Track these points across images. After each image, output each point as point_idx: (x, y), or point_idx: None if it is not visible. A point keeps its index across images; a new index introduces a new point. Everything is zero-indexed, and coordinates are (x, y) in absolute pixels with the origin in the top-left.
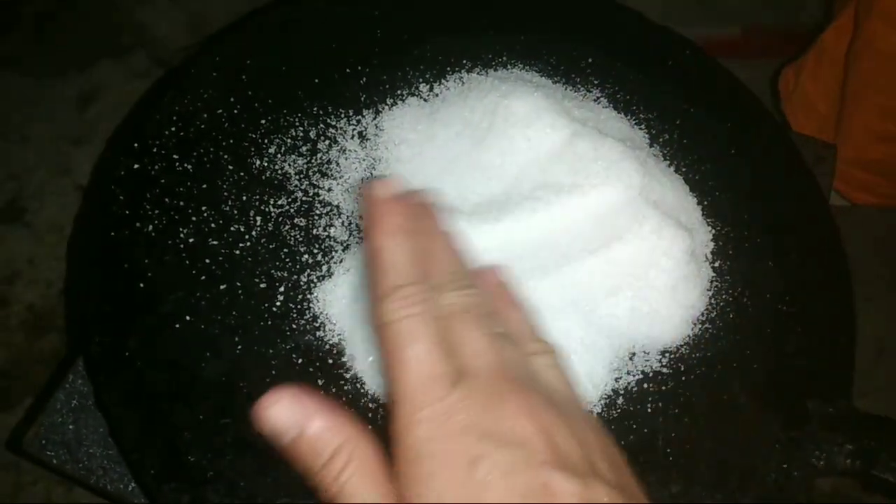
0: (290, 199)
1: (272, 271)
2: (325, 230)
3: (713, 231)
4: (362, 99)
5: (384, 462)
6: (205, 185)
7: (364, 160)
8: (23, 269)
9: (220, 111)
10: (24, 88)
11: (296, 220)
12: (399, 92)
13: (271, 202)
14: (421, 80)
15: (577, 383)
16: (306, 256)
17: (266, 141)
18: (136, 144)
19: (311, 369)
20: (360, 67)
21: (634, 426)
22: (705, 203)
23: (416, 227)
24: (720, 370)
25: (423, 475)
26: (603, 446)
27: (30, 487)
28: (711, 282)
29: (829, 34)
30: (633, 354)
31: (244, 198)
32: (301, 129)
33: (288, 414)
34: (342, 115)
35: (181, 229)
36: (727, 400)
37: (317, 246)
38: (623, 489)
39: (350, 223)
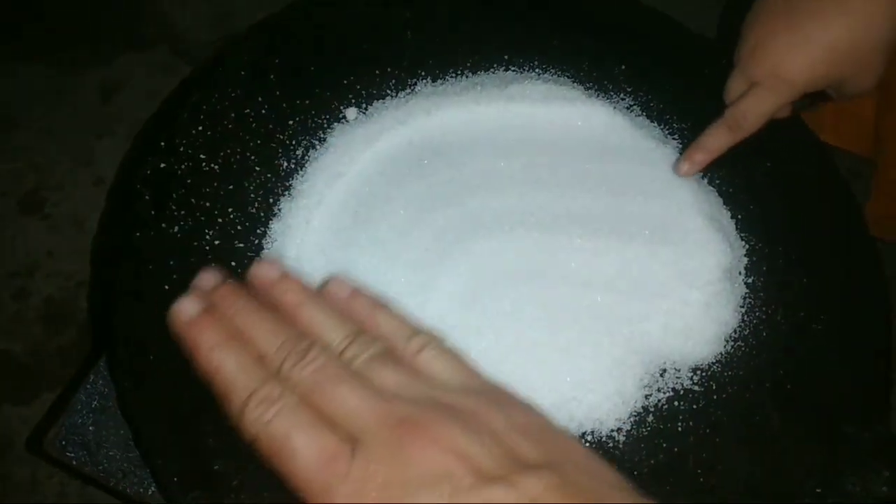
0: None
1: None
2: None
3: (746, 246)
4: (393, 102)
5: None
6: (231, 186)
7: None
8: (42, 261)
9: (248, 111)
10: (46, 80)
11: None
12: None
13: None
14: (453, 85)
15: (469, 363)
16: None
17: (294, 142)
18: (162, 143)
19: None
20: (389, 69)
21: (664, 445)
22: (738, 217)
23: (228, 322)
24: (752, 389)
25: None
26: (515, 422)
27: (46, 482)
28: (744, 298)
29: None
30: (664, 371)
31: (271, 200)
32: (330, 131)
33: None
34: None
35: (207, 231)
36: (759, 421)
37: None
38: (551, 465)
39: None
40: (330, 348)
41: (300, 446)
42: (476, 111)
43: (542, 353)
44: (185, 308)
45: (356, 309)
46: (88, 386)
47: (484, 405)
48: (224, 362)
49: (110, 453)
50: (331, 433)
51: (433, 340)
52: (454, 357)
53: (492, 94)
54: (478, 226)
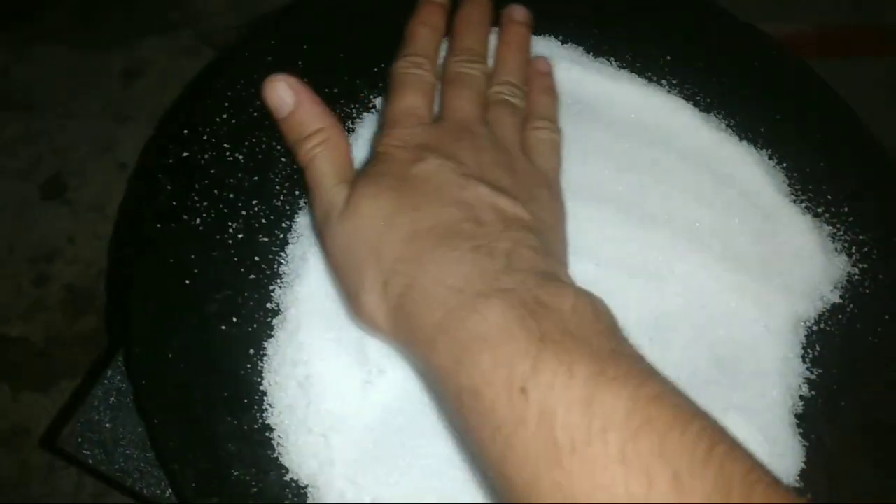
0: None
1: None
2: None
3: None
4: None
5: (350, 155)
6: (256, 178)
7: None
8: (63, 247)
9: None
10: (68, 64)
11: None
12: None
13: None
14: None
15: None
16: None
17: None
18: (185, 131)
19: None
20: None
21: None
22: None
23: (464, 17)
24: (803, 405)
25: (376, 162)
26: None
27: (62, 470)
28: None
29: None
30: None
31: (296, 192)
32: (359, 121)
33: (285, 93)
34: None
35: (230, 224)
36: (813, 438)
37: None
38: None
39: None
40: (491, 78)
41: (402, 96)
42: None
43: None
44: None
45: (536, 81)
46: (106, 381)
47: (537, 188)
48: (421, 32)
49: (127, 452)
50: (428, 105)
51: (556, 133)
52: (556, 153)
53: None
54: None
